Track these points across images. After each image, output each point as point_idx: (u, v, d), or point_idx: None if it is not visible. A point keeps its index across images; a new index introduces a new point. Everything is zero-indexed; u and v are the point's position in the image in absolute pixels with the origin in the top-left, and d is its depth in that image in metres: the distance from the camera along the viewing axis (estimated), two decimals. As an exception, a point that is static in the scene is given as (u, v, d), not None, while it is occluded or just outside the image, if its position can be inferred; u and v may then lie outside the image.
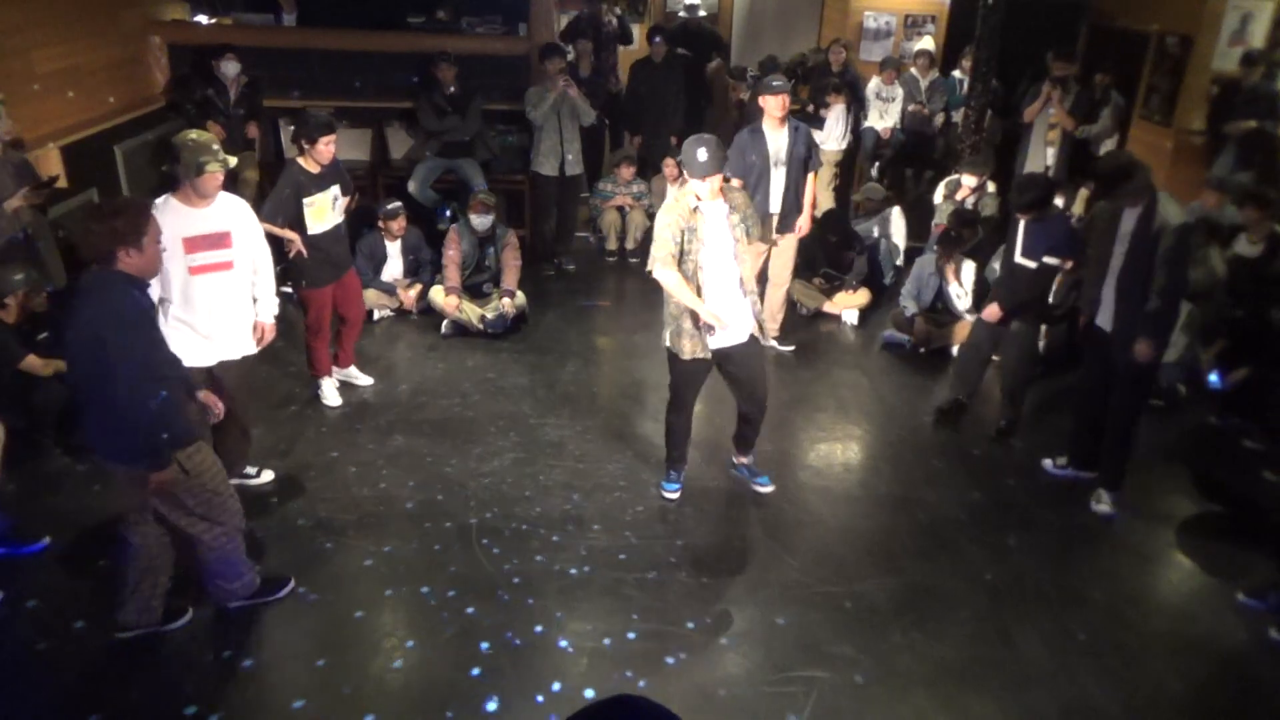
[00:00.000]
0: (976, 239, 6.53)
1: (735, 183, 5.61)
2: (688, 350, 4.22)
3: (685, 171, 4.05)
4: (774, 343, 6.16)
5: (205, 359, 4.05)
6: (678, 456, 4.63)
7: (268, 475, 4.61)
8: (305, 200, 4.89)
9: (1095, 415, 4.75)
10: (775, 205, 5.78)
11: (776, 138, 5.67)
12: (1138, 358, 4.36)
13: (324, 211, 4.99)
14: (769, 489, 4.70)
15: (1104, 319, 4.56)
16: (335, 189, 5.04)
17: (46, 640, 3.55)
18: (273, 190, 5.06)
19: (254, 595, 3.71)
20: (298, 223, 4.92)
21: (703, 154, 3.95)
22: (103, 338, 3.00)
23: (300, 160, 4.93)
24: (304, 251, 4.95)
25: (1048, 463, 5.03)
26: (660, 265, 4.06)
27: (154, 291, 3.75)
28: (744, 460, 4.76)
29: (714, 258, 4.13)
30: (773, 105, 5.59)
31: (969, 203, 6.81)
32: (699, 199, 4.05)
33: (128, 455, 3.19)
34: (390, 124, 8.08)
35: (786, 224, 5.90)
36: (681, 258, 4.07)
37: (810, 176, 5.87)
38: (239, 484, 4.46)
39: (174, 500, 3.32)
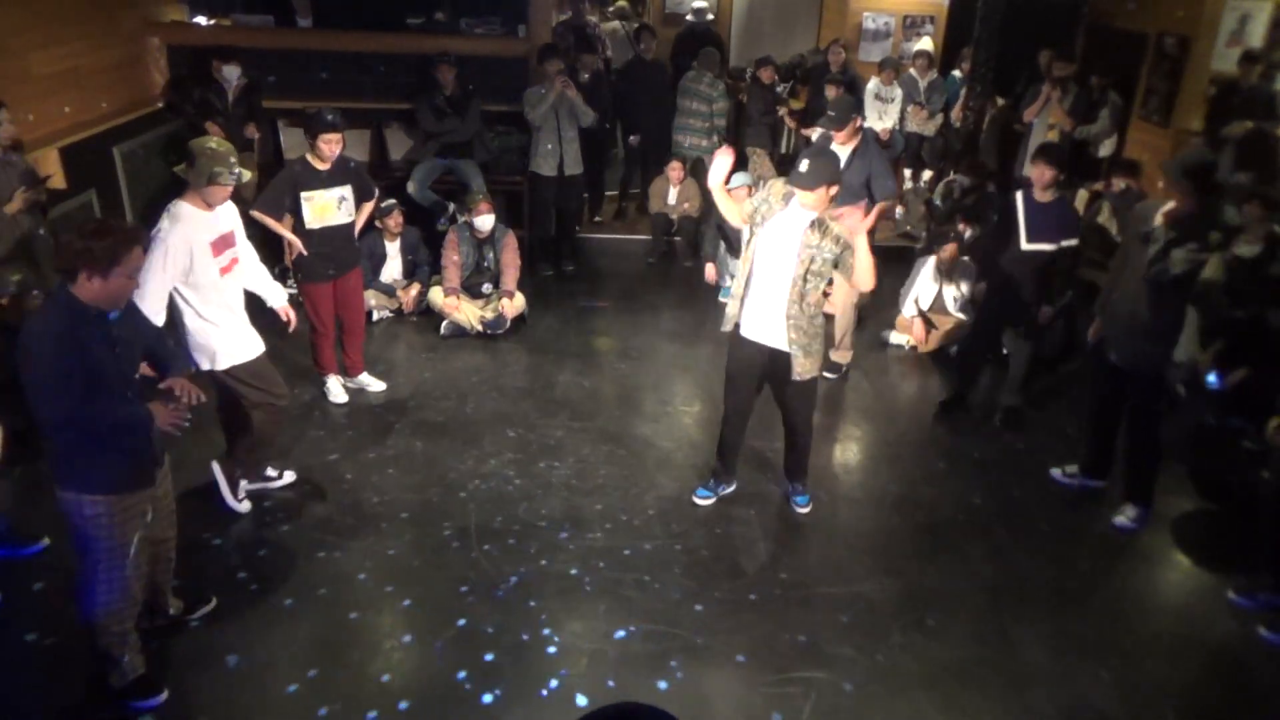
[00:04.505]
0: (965, 233, 6.53)
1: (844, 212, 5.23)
2: (727, 317, 4.23)
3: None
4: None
5: (257, 348, 4.16)
6: (718, 467, 4.58)
7: (289, 476, 4.59)
8: (304, 195, 4.93)
9: (1107, 424, 4.69)
10: None
11: (839, 154, 5.28)
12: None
13: (327, 209, 4.98)
14: (805, 509, 4.58)
15: (1116, 327, 4.41)
16: (344, 190, 5.02)
17: (46, 642, 3.54)
18: (270, 182, 5.10)
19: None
20: (295, 215, 4.95)
21: (803, 165, 3.80)
22: (25, 346, 2.92)
23: (308, 156, 4.96)
24: (303, 250, 4.97)
25: (1056, 472, 4.94)
26: (721, 191, 4.18)
27: (196, 303, 3.85)
28: (791, 483, 4.64)
29: (769, 258, 3.99)
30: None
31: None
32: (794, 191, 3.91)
33: (55, 471, 3.18)
34: (390, 125, 8.08)
35: None
36: (751, 235, 4.06)
37: (878, 205, 5.39)
38: (260, 488, 4.48)
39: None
